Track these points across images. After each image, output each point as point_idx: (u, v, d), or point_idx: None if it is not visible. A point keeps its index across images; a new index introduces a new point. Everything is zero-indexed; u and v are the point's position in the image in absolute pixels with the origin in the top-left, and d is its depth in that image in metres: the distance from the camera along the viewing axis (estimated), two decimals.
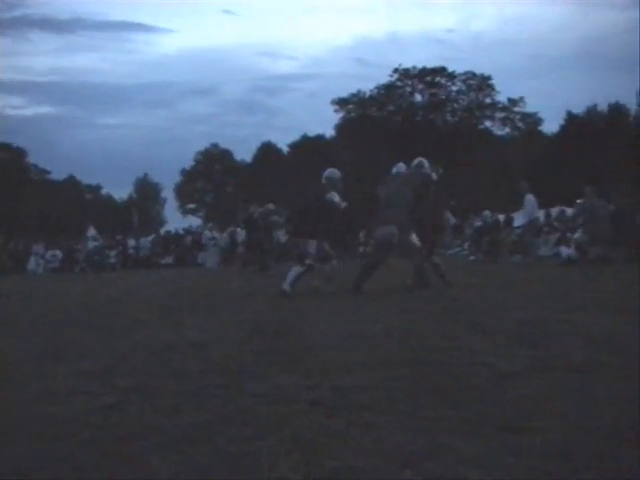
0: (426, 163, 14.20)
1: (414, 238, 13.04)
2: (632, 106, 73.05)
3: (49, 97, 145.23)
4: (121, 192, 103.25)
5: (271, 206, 26.55)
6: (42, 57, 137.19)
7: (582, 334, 6.88)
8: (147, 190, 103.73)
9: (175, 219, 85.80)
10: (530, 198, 23.66)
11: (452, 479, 3.28)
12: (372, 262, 13.49)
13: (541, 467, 3.35)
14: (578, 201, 21.22)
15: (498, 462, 3.43)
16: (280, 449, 3.80)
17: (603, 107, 76.23)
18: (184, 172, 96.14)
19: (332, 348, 6.88)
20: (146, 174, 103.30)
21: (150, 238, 43.71)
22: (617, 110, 75.31)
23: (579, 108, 76.98)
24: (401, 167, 14.23)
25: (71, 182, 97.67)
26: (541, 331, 7.22)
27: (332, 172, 14.12)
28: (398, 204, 13.06)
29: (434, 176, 14.25)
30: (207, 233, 38.01)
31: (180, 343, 7.66)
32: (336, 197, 13.64)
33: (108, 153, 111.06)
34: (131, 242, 41.77)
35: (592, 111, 76.78)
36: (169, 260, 38.82)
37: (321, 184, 14.00)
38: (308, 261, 13.45)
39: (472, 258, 25.72)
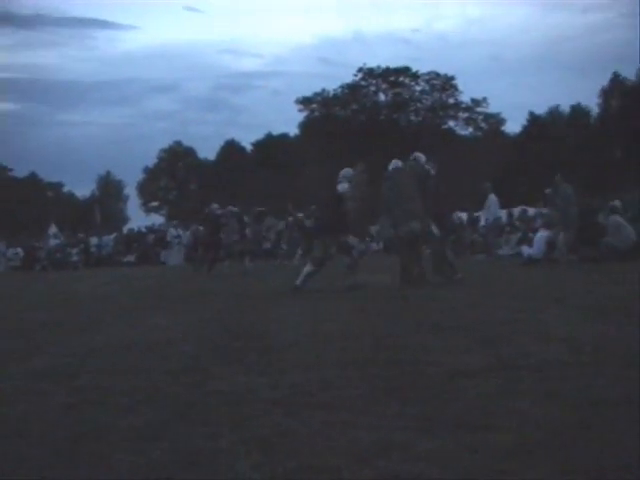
0: (423, 158, 14.35)
1: (435, 228, 13.50)
2: (593, 107, 73.91)
3: (10, 93, 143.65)
4: (83, 190, 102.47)
5: (232, 208, 26.22)
6: (2, 53, 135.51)
7: (542, 333, 6.95)
8: (109, 188, 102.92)
9: (138, 217, 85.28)
10: (493, 198, 23.79)
11: (409, 476, 3.30)
12: (405, 259, 13.70)
13: (497, 465, 3.37)
14: (547, 191, 21.15)
15: (454, 459, 3.46)
16: (240, 448, 3.80)
17: (565, 108, 77.04)
18: (147, 170, 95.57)
19: (291, 347, 6.89)
20: (108, 172, 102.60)
21: (112, 236, 43.39)
22: (579, 111, 76.08)
23: (541, 109, 77.72)
24: (397, 164, 14.31)
25: (32, 179, 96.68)
26: (501, 330, 7.27)
27: (346, 171, 14.43)
28: (414, 197, 13.37)
29: (432, 171, 14.34)
30: (172, 231, 37.82)
31: (140, 342, 7.64)
32: (345, 186, 13.84)
33: (70, 150, 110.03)
34: (93, 240, 41.47)
35: (554, 112, 77.45)
36: (131, 258, 38.59)
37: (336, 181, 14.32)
38: (354, 253, 13.95)
39: None
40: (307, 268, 13.63)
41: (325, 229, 14.09)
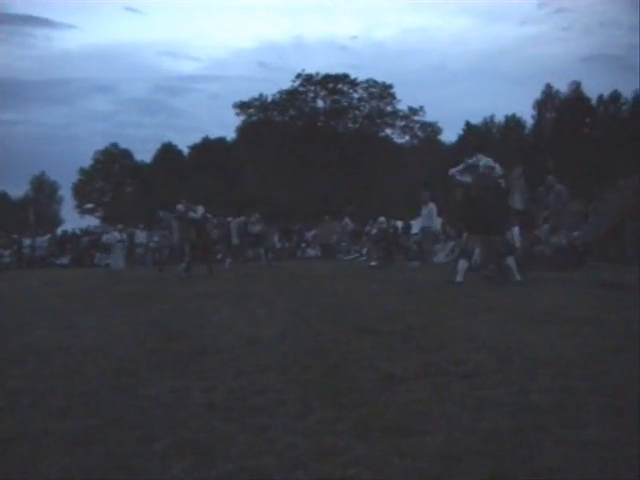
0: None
1: None
2: (528, 119, 74.99)
3: None
4: (17, 190, 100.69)
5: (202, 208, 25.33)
6: None
7: (474, 340, 7.03)
8: (44, 188, 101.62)
9: (72, 219, 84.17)
10: (432, 206, 23.95)
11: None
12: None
13: (429, 469, 3.43)
14: (540, 189, 21.05)
15: (386, 464, 3.51)
16: (174, 451, 3.81)
17: (500, 118, 78.14)
18: (82, 171, 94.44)
19: (228, 351, 6.89)
20: (43, 172, 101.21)
21: (46, 237, 42.78)
22: (513, 122, 77.19)
23: (477, 119, 78.66)
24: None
25: None
26: (435, 337, 7.35)
27: (487, 161, 14.39)
28: None
29: None
30: (115, 234, 37.19)
31: (74, 345, 7.57)
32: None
33: (5, 150, 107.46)
34: (26, 241, 40.85)
35: (489, 122, 78.50)
36: (65, 260, 38.11)
37: (485, 173, 14.19)
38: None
39: (373, 264, 25.86)
40: (461, 264, 13.91)
41: (490, 227, 13.87)
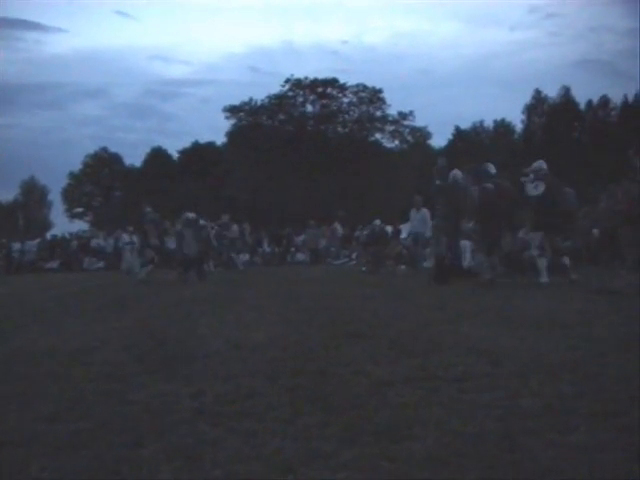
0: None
1: None
2: (517, 124, 75.17)
3: None
4: (6, 194, 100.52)
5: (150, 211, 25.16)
6: None
7: (464, 344, 7.03)
8: (33, 193, 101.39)
9: (62, 223, 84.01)
10: (424, 211, 23.96)
11: None
12: None
13: (417, 473, 3.43)
14: None
15: (375, 468, 3.50)
16: (162, 457, 3.79)
17: (489, 123, 78.39)
18: (72, 175, 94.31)
19: (216, 356, 6.88)
20: (32, 176, 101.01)
21: (36, 242, 42.64)
22: (503, 126, 77.42)
23: (466, 123, 78.86)
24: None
25: None
26: (425, 341, 7.34)
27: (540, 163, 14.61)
28: None
29: None
30: (125, 237, 37.00)
31: (62, 349, 7.55)
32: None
33: None
34: (16, 245, 40.72)
35: (479, 127, 78.71)
36: (54, 264, 38.00)
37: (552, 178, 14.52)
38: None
39: (364, 269, 25.83)
40: (541, 263, 14.02)
41: (549, 226, 14.17)
